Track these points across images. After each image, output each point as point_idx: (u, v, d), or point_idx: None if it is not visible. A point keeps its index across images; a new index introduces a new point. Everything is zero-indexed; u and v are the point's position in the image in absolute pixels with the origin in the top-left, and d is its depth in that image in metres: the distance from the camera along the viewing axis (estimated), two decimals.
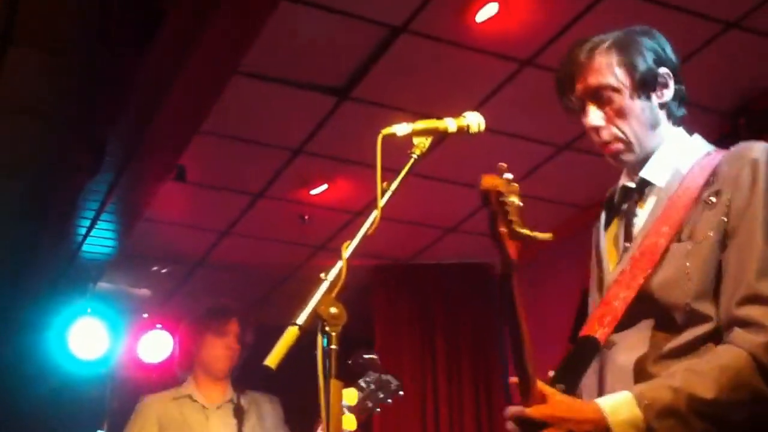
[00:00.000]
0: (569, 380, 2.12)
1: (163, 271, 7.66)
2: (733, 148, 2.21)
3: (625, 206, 2.34)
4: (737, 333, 2.02)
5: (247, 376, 4.51)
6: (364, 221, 2.05)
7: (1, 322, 7.58)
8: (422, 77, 5.18)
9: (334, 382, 1.89)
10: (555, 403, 2.00)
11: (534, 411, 1.99)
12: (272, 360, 1.87)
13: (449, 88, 5.16)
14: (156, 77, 4.82)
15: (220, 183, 6.38)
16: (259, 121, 5.60)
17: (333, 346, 1.90)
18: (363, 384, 3.95)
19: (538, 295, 6.39)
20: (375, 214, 2.05)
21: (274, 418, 4.60)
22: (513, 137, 5.70)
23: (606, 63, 2.29)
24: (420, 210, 6.54)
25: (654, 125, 2.30)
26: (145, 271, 7.68)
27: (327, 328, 1.91)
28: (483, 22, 4.71)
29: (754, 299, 2.03)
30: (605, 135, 2.30)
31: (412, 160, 2.18)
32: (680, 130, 2.34)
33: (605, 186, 2.45)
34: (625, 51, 2.29)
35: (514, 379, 2.01)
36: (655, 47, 2.30)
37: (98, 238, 6.72)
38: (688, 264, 2.12)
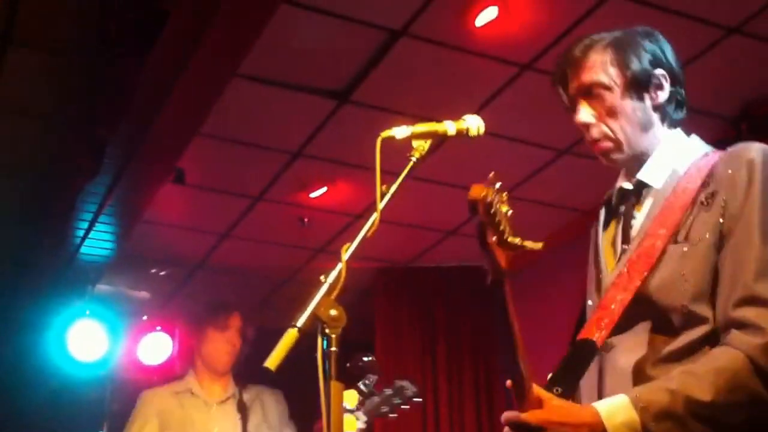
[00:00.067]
0: (566, 383, 2.12)
1: (162, 273, 7.66)
2: (730, 149, 2.21)
3: (622, 208, 2.33)
4: (734, 335, 2.02)
5: (250, 371, 4.50)
6: (364, 224, 2.05)
7: (0, 323, 7.57)
8: (422, 81, 5.18)
9: (334, 384, 1.89)
10: (551, 407, 2.00)
11: (530, 416, 1.98)
12: (272, 362, 1.88)
13: (449, 91, 5.16)
14: (156, 79, 4.81)
15: (220, 185, 6.38)
16: (259, 123, 5.60)
17: (333, 348, 1.90)
18: (362, 387, 3.95)
19: (539, 298, 6.39)
20: (374, 217, 2.05)
21: (279, 413, 4.57)
22: (513, 141, 5.71)
23: (600, 61, 2.29)
24: (420, 213, 6.54)
25: (646, 126, 2.29)
26: (144, 273, 7.67)
27: (327, 331, 1.91)
28: (483, 26, 4.71)
29: (750, 301, 2.03)
30: (595, 133, 2.31)
31: (411, 163, 2.18)
32: (677, 132, 2.33)
33: (605, 190, 2.44)
34: (621, 50, 2.29)
35: (510, 383, 2.00)
36: (653, 49, 2.30)
37: (97, 240, 6.72)
38: (684, 266, 2.12)
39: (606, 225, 2.39)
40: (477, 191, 1.90)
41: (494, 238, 1.91)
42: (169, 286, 7.95)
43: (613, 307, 2.16)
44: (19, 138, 5.81)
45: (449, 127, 2.24)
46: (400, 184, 2.11)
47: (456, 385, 7.40)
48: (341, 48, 4.92)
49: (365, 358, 4.00)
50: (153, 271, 7.65)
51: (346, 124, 5.52)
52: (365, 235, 2.04)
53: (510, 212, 1.96)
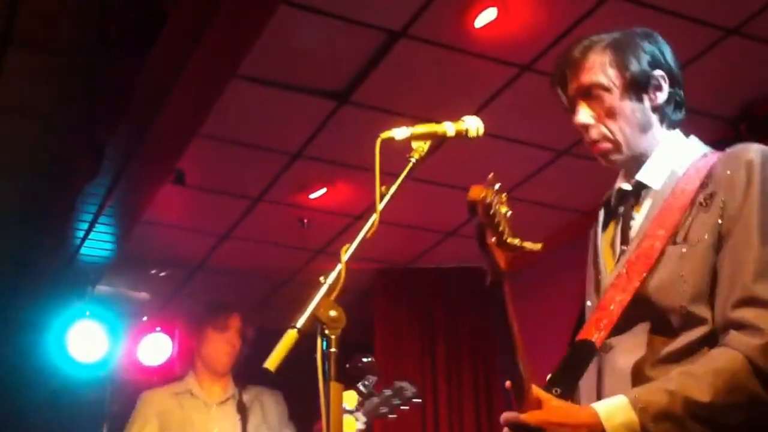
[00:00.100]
0: (566, 384, 2.12)
1: (162, 274, 7.66)
2: (728, 150, 2.21)
3: (621, 209, 2.33)
4: (733, 335, 2.02)
5: (249, 372, 4.49)
6: (364, 225, 2.05)
7: (0, 324, 7.57)
8: (421, 82, 5.18)
9: (334, 385, 1.89)
10: (550, 408, 2.00)
11: (529, 417, 1.98)
12: (271, 363, 1.88)
13: (448, 92, 5.16)
14: (156, 80, 4.81)
15: (220, 186, 6.38)
16: (259, 124, 5.60)
17: (332, 349, 1.91)
18: (362, 387, 3.95)
19: (539, 299, 6.39)
20: (374, 218, 2.06)
21: (279, 414, 4.56)
22: (512, 142, 5.71)
23: (599, 62, 2.29)
24: (419, 214, 6.54)
25: (645, 127, 2.29)
26: (144, 274, 7.67)
27: (326, 331, 1.91)
28: (482, 27, 4.71)
29: (749, 301, 2.02)
30: (594, 134, 2.31)
31: (410, 164, 2.18)
32: (676, 133, 2.33)
33: (605, 191, 2.45)
34: (620, 51, 2.29)
35: (509, 383, 2.00)
36: (652, 50, 2.30)
37: (97, 241, 6.72)
38: (683, 267, 2.12)
39: (605, 226, 2.39)
40: (476, 192, 1.90)
41: (493, 239, 1.90)
42: (169, 287, 7.95)
43: (612, 308, 2.16)
44: (18, 138, 5.81)
45: (449, 128, 2.24)
46: (399, 185, 2.11)
47: (455, 386, 7.40)
48: (341, 49, 4.92)
49: (364, 359, 4.00)
50: (153, 272, 7.65)
51: (346, 125, 5.52)
52: (365, 236, 2.04)
53: (509, 213, 1.96)
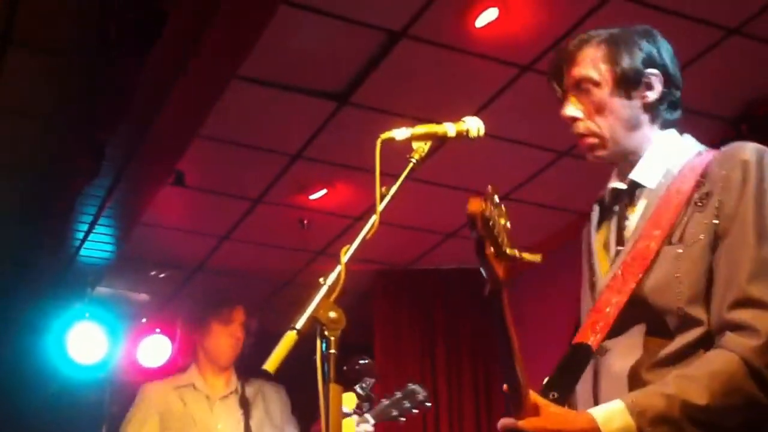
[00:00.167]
0: (562, 388, 2.11)
1: (162, 275, 7.66)
2: (723, 149, 2.19)
3: (615, 209, 2.32)
4: (729, 337, 2.01)
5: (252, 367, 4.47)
6: (364, 226, 2.05)
7: (0, 325, 7.57)
8: (422, 82, 5.17)
9: (333, 387, 1.88)
10: (548, 415, 1.99)
11: (527, 423, 1.97)
12: (271, 364, 1.87)
13: (449, 93, 5.15)
14: (155, 80, 4.81)
15: (219, 188, 6.38)
16: (259, 125, 5.59)
17: (332, 351, 1.90)
18: (359, 390, 3.94)
19: (539, 299, 6.39)
20: (373, 219, 2.05)
21: (282, 409, 4.53)
22: (513, 143, 5.70)
23: (592, 56, 2.29)
24: (420, 215, 6.53)
25: (634, 126, 2.28)
26: (143, 275, 7.67)
27: (326, 333, 1.91)
28: (483, 27, 4.70)
29: (745, 302, 2.01)
30: (581, 128, 2.30)
31: (411, 165, 2.17)
32: (670, 132, 2.31)
33: None
34: (614, 47, 2.28)
35: (506, 388, 1.99)
36: (649, 49, 2.29)
37: (97, 243, 6.71)
38: (679, 267, 2.10)
39: (598, 226, 2.37)
40: (475, 206, 1.89)
41: (492, 251, 1.89)
42: (168, 288, 7.95)
43: (607, 310, 2.15)
44: (18, 138, 5.80)
45: (449, 128, 2.23)
46: (399, 186, 2.11)
47: (455, 387, 7.40)
48: (341, 49, 4.92)
49: (362, 361, 3.99)
50: (152, 273, 7.65)
51: (346, 126, 5.51)
52: (365, 237, 2.03)
53: (508, 224, 1.95)
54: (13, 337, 7.54)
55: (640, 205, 2.26)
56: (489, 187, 1.95)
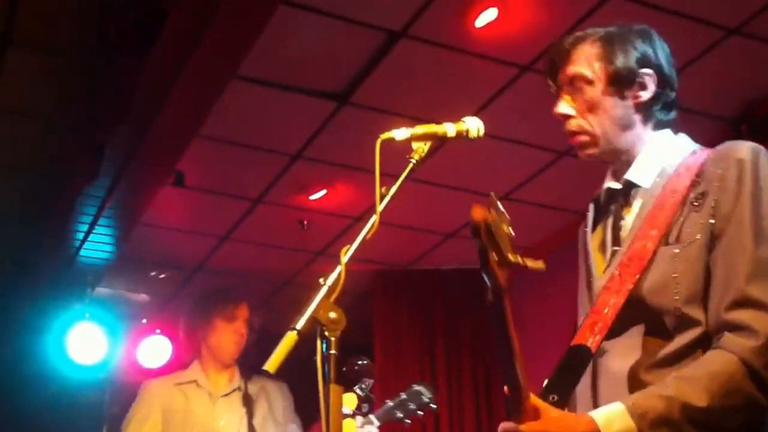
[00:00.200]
0: (561, 390, 2.10)
1: (162, 276, 7.65)
2: (718, 147, 2.19)
3: (611, 209, 2.31)
4: (728, 338, 2.00)
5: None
6: (364, 226, 2.04)
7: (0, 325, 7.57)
8: (421, 82, 5.17)
9: (334, 387, 1.88)
10: (548, 418, 1.98)
11: (527, 428, 1.96)
12: (271, 365, 1.87)
13: (449, 93, 5.15)
14: (155, 80, 4.81)
15: (219, 188, 6.37)
16: (258, 125, 5.59)
17: (332, 351, 1.90)
18: (358, 391, 3.93)
19: (539, 299, 6.38)
20: (373, 219, 2.05)
21: (284, 406, 4.50)
22: (513, 143, 5.70)
23: (586, 54, 2.28)
24: (419, 215, 6.53)
25: (626, 125, 2.27)
26: (143, 276, 7.67)
27: (326, 333, 1.90)
28: (482, 27, 4.70)
29: (744, 303, 2.01)
30: (572, 125, 2.30)
31: (410, 165, 2.17)
32: (664, 132, 2.30)
33: None
34: (609, 46, 2.28)
35: (507, 390, 1.99)
36: (644, 48, 2.28)
37: (96, 243, 6.71)
38: (676, 268, 2.10)
39: (594, 226, 2.37)
40: (478, 214, 1.89)
41: (496, 259, 1.90)
42: (168, 288, 7.95)
43: (606, 311, 2.14)
44: (18, 138, 5.80)
45: (449, 128, 2.23)
46: (399, 187, 2.11)
47: (455, 388, 7.39)
48: (341, 49, 4.92)
49: (360, 362, 3.97)
50: (152, 273, 7.65)
51: (346, 126, 5.51)
52: (365, 237, 2.03)
53: (511, 231, 1.95)
54: (13, 337, 7.54)
55: (636, 205, 2.25)
56: (491, 194, 1.95)
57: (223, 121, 5.40)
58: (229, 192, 6.42)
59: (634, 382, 2.08)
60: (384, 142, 2.13)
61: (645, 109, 2.28)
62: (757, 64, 5.03)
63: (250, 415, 4.36)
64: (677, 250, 2.11)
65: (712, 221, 2.09)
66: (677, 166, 2.22)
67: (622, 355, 2.12)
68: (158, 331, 7.47)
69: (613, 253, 2.24)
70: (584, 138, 2.29)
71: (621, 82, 2.25)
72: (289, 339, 1.88)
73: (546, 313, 5.99)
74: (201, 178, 6.17)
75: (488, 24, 4.67)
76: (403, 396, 4.05)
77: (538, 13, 4.64)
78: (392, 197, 2.09)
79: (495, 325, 1.94)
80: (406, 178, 2.13)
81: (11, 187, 6.36)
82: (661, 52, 2.30)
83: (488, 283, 1.91)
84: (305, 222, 6.77)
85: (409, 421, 4.01)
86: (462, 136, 2.24)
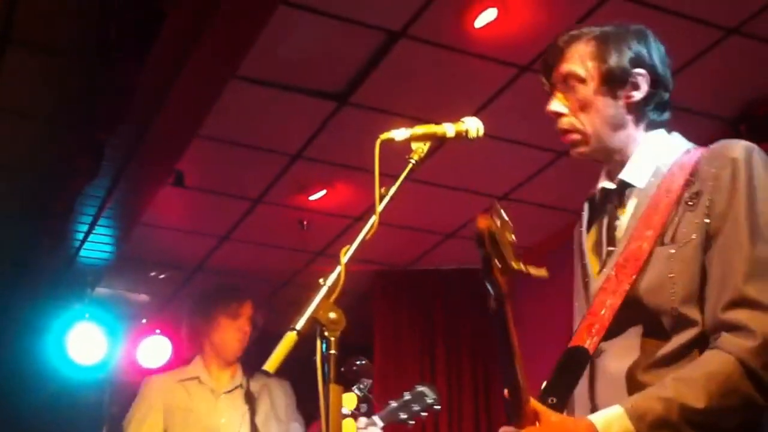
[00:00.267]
0: (560, 393, 2.10)
1: (161, 276, 7.65)
2: (712, 146, 2.18)
3: (605, 209, 2.31)
4: (725, 338, 2.00)
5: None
6: (363, 227, 2.04)
7: None
8: (421, 83, 5.17)
9: (333, 387, 1.88)
10: (548, 423, 1.98)
11: None
12: (271, 365, 1.88)
13: (448, 93, 5.15)
14: (155, 81, 4.81)
15: (219, 188, 6.37)
16: (258, 126, 5.59)
17: (332, 351, 1.90)
18: (357, 391, 3.92)
19: (539, 299, 6.37)
20: (373, 220, 2.05)
21: (287, 404, 4.48)
22: (512, 143, 5.70)
23: (580, 53, 2.28)
24: (419, 216, 6.53)
25: (618, 124, 2.27)
26: (143, 276, 7.67)
27: (326, 333, 1.91)
28: (482, 27, 4.70)
29: (740, 303, 2.00)
30: (564, 123, 2.30)
31: (410, 166, 2.17)
32: (658, 132, 2.30)
33: None
34: (603, 44, 2.27)
35: (507, 393, 1.99)
36: (638, 49, 2.27)
37: (96, 243, 6.71)
38: (672, 268, 2.09)
39: (588, 226, 2.37)
40: (483, 223, 1.90)
41: (499, 267, 1.90)
42: (168, 289, 7.95)
43: (603, 312, 2.14)
44: (18, 138, 5.80)
45: (448, 129, 2.23)
46: (399, 187, 2.11)
47: (455, 388, 7.39)
48: (340, 49, 4.92)
49: (359, 362, 3.96)
50: (152, 274, 7.65)
51: (345, 126, 5.51)
52: (364, 237, 2.03)
53: (514, 238, 1.95)
54: (13, 337, 7.54)
55: (630, 205, 2.25)
56: (494, 202, 1.95)
57: (222, 121, 5.40)
58: (228, 192, 6.42)
59: (632, 383, 2.08)
60: (383, 143, 2.13)
61: (637, 110, 2.27)
62: (756, 64, 5.03)
63: (252, 412, 4.34)
64: (673, 251, 2.10)
65: (707, 221, 2.08)
66: (671, 165, 2.21)
67: (620, 355, 2.12)
68: (158, 331, 7.48)
69: (609, 253, 2.24)
70: (575, 136, 2.29)
71: (614, 82, 2.25)
72: (289, 339, 1.88)
73: (545, 313, 5.98)
74: (201, 178, 6.17)
75: (488, 24, 4.67)
76: (407, 397, 4.03)
77: (538, 13, 4.64)
78: (392, 197, 2.09)
79: (497, 330, 1.94)
80: (405, 178, 2.13)
81: (11, 187, 6.35)
82: (656, 52, 2.30)
83: (491, 290, 1.91)
84: (305, 222, 6.77)
85: (413, 422, 3.99)
86: (461, 137, 2.24)
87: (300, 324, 1.89)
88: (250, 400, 4.37)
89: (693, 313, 2.07)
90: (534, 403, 1.99)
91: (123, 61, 4.74)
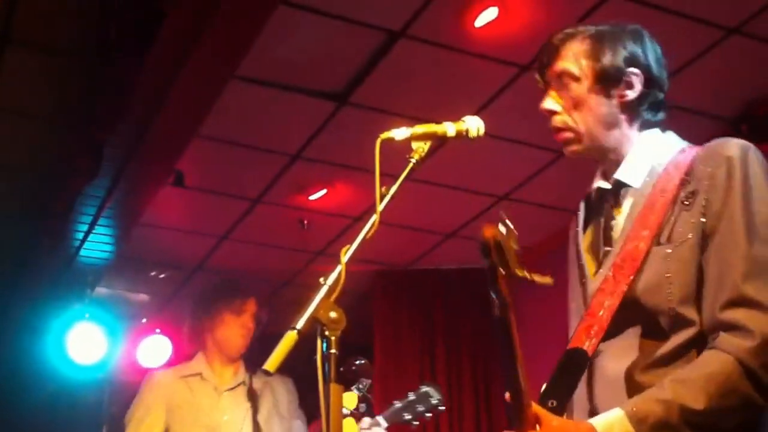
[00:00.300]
0: (560, 395, 2.10)
1: (161, 276, 7.65)
2: (707, 145, 2.18)
3: (601, 209, 2.31)
4: (723, 338, 1.99)
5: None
6: (364, 226, 2.04)
7: None
8: (421, 82, 5.16)
9: (334, 386, 1.88)
10: (550, 428, 1.98)
11: None
12: (271, 364, 1.88)
13: (448, 93, 5.14)
14: (155, 80, 4.80)
15: (219, 188, 6.37)
16: (258, 126, 5.58)
17: (333, 351, 1.90)
18: (356, 391, 3.91)
19: (539, 299, 6.36)
20: (373, 219, 2.04)
21: (289, 401, 4.45)
22: (513, 143, 5.69)
23: (575, 51, 2.28)
24: (420, 215, 6.52)
25: (611, 123, 2.27)
26: (143, 276, 7.66)
27: (326, 333, 1.91)
28: (482, 27, 4.69)
29: (739, 302, 2.00)
30: (557, 121, 2.31)
31: (410, 165, 2.17)
32: (652, 132, 2.29)
33: None
34: (598, 43, 2.27)
35: (508, 396, 1.98)
36: (633, 48, 2.27)
37: (96, 243, 6.71)
38: (668, 267, 2.09)
39: (584, 227, 2.36)
40: (488, 233, 1.90)
41: (504, 275, 1.91)
42: (168, 288, 7.94)
43: (601, 313, 2.13)
44: (18, 138, 5.80)
45: (449, 128, 2.23)
46: (399, 186, 2.11)
47: (455, 388, 7.39)
48: (340, 49, 4.91)
49: (358, 362, 3.96)
50: (152, 273, 7.64)
51: (345, 126, 5.51)
52: (365, 237, 2.03)
53: (519, 248, 1.95)
54: (13, 337, 7.54)
55: (626, 204, 2.25)
56: (500, 212, 1.95)
57: (222, 121, 5.40)
58: (228, 192, 6.42)
59: (631, 384, 2.08)
60: (384, 142, 2.13)
61: (631, 109, 2.27)
62: (757, 63, 5.02)
63: (255, 410, 4.30)
64: (669, 250, 2.10)
65: (704, 220, 2.08)
66: (666, 164, 2.21)
67: (618, 356, 2.12)
68: (158, 330, 7.47)
69: (605, 254, 2.23)
70: (568, 135, 2.30)
71: (607, 81, 2.25)
72: (289, 339, 1.88)
73: (546, 313, 5.96)
74: (200, 178, 6.16)
75: (488, 23, 4.67)
76: (412, 397, 4.02)
77: (538, 12, 4.64)
78: (392, 197, 2.09)
79: (500, 336, 1.94)
80: (406, 177, 2.13)
81: (11, 187, 6.35)
82: (652, 53, 2.30)
83: (495, 299, 1.91)
84: (305, 222, 6.77)
85: (417, 423, 3.98)
86: (462, 136, 2.24)
87: (300, 323, 1.89)
88: (253, 397, 4.34)
89: (690, 313, 2.07)
90: (536, 407, 1.98)
91: (123, 60, 4.74)
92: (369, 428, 3.83)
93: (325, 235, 6.88)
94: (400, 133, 2.17)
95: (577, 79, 2.26)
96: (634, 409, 1.98)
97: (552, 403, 2.07)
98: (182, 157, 5.63)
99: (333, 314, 1.91)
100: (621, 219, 2.24)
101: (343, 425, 1.91)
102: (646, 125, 2.29)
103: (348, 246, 2.01)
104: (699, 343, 2.05)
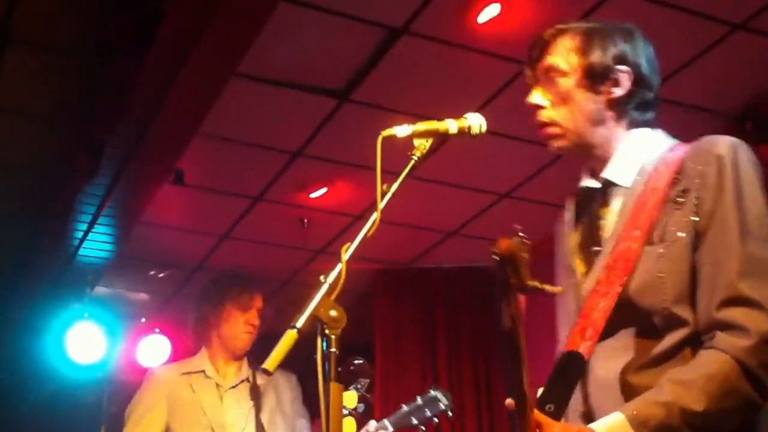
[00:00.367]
0: (558, 399, 2.09)
1: (161, 275, 7.64)
2: (696, 143, 2.16)
3: (589, 208, 2.29)
4: (720, 337, 1.98)
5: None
6: (365, 224, 2.03)
7: None
8: (423, 79, 5.15)
9: (334, 385, 1.87)
10: None
11: None
12: (271, 363, 1.87)
13: (450, 90, 5.13)
14: (155, 79, 4.80)
15: (219, 186, 6.36)
16: (258, 123, 5.57)
17: (333, 349, 1.89)
18: (354, 391, 3.89)
19: (539, 299, 6.35)
20: (374, 217, 2.03)
21: (293, 398, 4.39)
22: (515, 140, 5.67)
23: (565, 46, 2.28)
24: (421, 213, 6.52)
25: (597, 120, 2.26)
26: (143, 275, 7.66)
27: (326, 331, 1.90)
28: (485, 23, 4.68)
29: (735, 301, 1.99)
30: (543, 116, 2.32)
31: (412, 162, 2.16)
32: (641, 130, 2.28)
33: None
34: (589, 40, 2.27)
35: (510, 402, 1.96)
36: (623, 46, 2.26)
37: (96, 242, 6.70)
38: (661, 267, 2.07)
39: (573, 226, 2.34)
40: (504, 246, 1.89)
41: (516, 288, 1.90)
42: (168, 288, 7.94)
43: (595, 315, 2.12)
44: (18, 138, 5.80)
45: (451, 125, 2.22)
46: (400, 184, 2.10)
47: (456, 386, 7.37)
48: (341, 46, 4.90)
49: (356, 362, 3.94)
50: (152, 273, 7.64)
51: (347, 123, 5.49)
52: (365, 235, 2.02)
53: (528, 257, 1.93)
54: (12, 336, 7.54)
55: (615, 204, 2.23)
56: (516, 226, 1.93)
57: (223, 119, 5.39)
58: (229, 190, 6.41)
59: (625, 384, 2.07)
60: (385, 140, 2.13)
61: (618, 107, 2.26)
62: (762, 60, 5.00)
63: (258, 408, 4.23)
64: (662, 250, 2.09)
65: (696, 219, 2.07)
66: (656, 162, 2.20)
67: (612, 357, 2.10)
68: (157, 330, 7.47)
69: (595, 254, 2.22)
70: (553, 130, 2.31)
71: (595, 77, 2.24)
72: (289, 337, 1.87)
73: (546, 313, 5.96)
74: (201, 177, 6.15)
75: (491, 20, 4.65)
76: (420, 401, 3.98)
77: (541, 8, 4.61)
78: (393, 195, 2.08)
79: (507, 348, 1.92)
80: (407, 175, 2.12)
81: (11, 187, 6.35)
82: (642, 52, 2.29)
83: (506, 311, 1.90)
84: (306, 220, 6.76)
85: (423, 428, 3.94)
86: (464, 133, 2.24)
87: (301, 322, 1.88)
88: (256, 395, 4.27)
89: (684, 312, 2.06)
90: (538, 414, 1.97)
91: (123, 60, 4.74)
92: (375, 431, 3.80)
93: (326, 233, 6.87)
94: (401, 131, 2.16)
95: (565, 74, 2.26)
96: (635, 412, 1.96)
97: (549, 408, 2.05)
98: (182, 155, 5.63)
99: (333, 313, 1.90)
100: (610, 218, 2.22)
101: (342, 424, 1.90)
102: (634, 124, 2.28)
103: (349, 244, 2.00)
104: (692, 343, 2.04)
